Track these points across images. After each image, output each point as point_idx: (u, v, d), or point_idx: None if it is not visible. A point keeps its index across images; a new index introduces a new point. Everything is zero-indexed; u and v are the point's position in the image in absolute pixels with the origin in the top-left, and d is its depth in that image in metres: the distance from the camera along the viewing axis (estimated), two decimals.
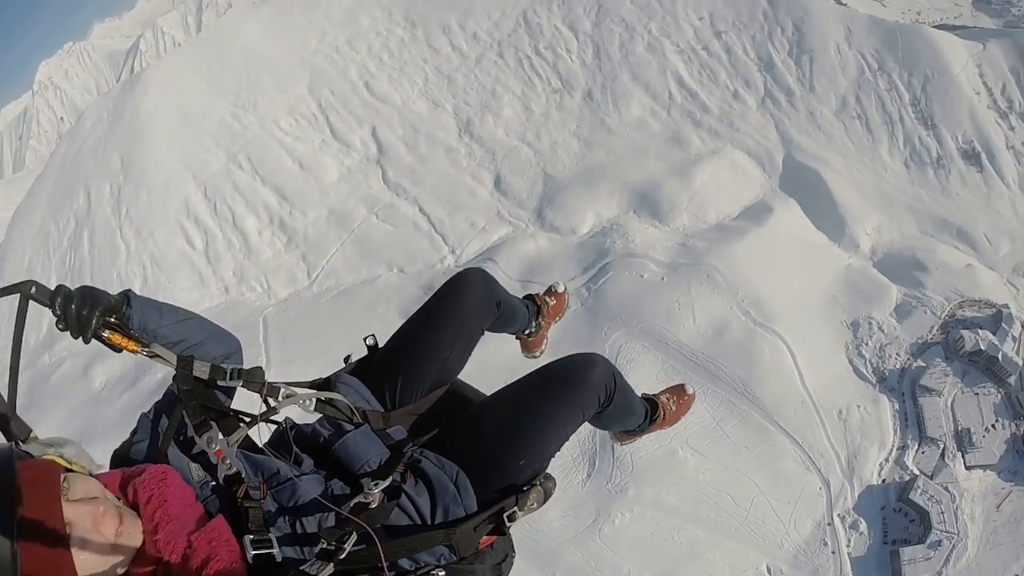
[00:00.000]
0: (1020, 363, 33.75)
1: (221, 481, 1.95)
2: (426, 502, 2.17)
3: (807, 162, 33.07)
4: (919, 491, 30.23)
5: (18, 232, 19.76)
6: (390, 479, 2.05)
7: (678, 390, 3.67)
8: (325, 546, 1.82)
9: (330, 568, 1.77)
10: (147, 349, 2.13)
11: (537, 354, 3.82)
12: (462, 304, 2.72)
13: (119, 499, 1.82)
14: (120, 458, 2.13)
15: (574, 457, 24.93)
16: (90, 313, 1.97)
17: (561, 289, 3.79)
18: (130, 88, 17.17)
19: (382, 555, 1.85)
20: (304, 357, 11.14)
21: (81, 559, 1.58)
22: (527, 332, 3.61)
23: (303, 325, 11.77)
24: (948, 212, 37.84)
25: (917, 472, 31.31)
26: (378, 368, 2.66)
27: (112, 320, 2.07)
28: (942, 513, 29.84)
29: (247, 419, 2.20)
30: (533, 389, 2.46)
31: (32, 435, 2.04)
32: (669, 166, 27.65)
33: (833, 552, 28.54)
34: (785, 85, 34.07)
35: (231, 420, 2.18)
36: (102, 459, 2.11)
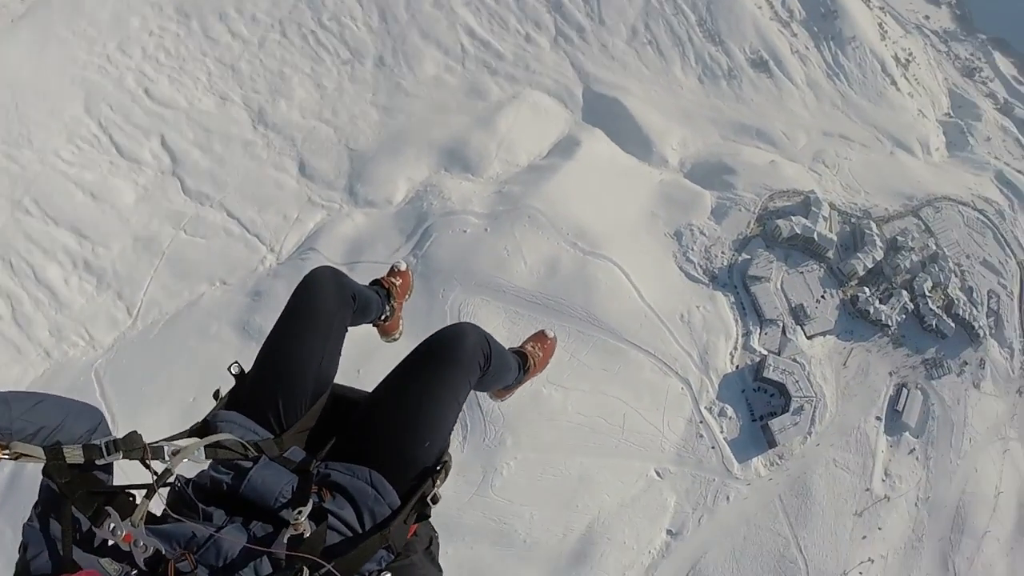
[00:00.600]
0: (834, 238, 38.06)
1: (143, 566, 1.84)
2: (350, 513, 2.17)
3: (606, 92, 35.19)
4: (771, 368, 33.40)
5: None
6: (311, 503, 2.01)
7: (540, 336, 3.82)
8: None
9: None
10: (7, 451, 1.92)
11: (396, 336, 3.91)
12: (318, 306, 2.68)
13: None
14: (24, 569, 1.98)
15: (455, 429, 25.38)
16: None
17: (404, 267, 3.83)
18: None
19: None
20: (150, 403, 10.69)
21: None
22: (383, 317, 3.61)
23: (139, 369, 11.14)
24: (745, 117, 41.36)
25: (765, 352, 34.49)
26: (253, 395, 2.57)
27: None
28: (797, 382, 33.41)
29: (142, 490, 2.04)
30: (415, 373, 2.53)
31: None
32: (472, 118, 28.30)
33: (711, 445, 31.15)
34: (575, 22, 35.83)
35: (124, 498, 2.03)
36: None
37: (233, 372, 2.68)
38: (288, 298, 2.76)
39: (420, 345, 2.64)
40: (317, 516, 2.07)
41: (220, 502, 2.16)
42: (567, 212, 28.05)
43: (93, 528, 1.91)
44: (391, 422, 2.46)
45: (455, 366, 2.55)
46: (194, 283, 11.64)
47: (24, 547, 2.00)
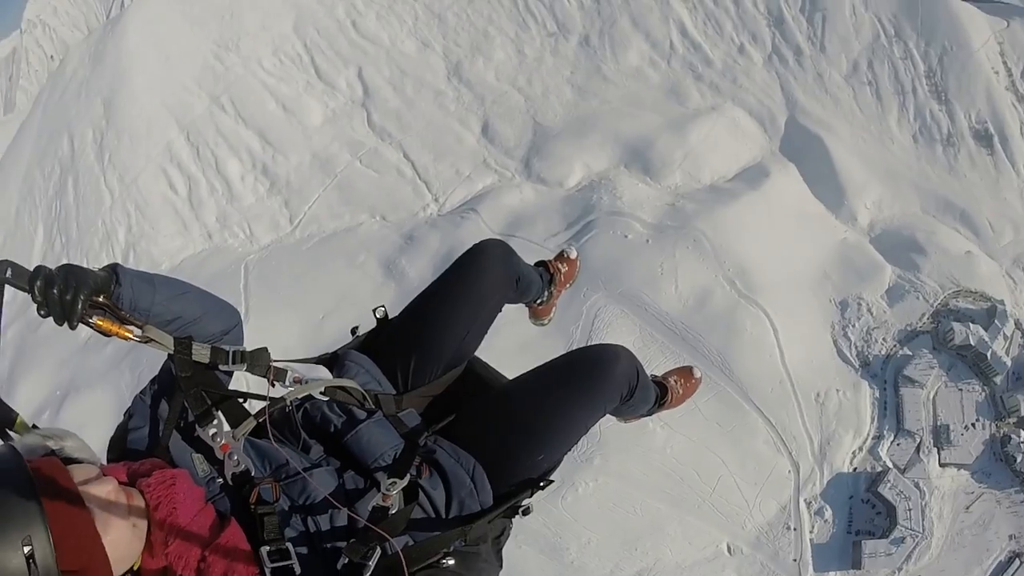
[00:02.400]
0: (1008, 363, 32.72)
1: (228, 480, 1.82)
2: (441, 495, 2.08)
3: (811, 126, 32.04)
4: (889, 484, 29.81)
5: (4, 179, 19.39)
6: (407, 478, 1.93)
7: (686, 372, 3.57)
8: (347, 562, 1.70)
9: None
10: (140, 334, 1.95)
11: (545, 322, 3.77)
12: (482, 280, 2.56)
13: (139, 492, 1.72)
14: (118, 445, 2.00)
15: None
16: (75, 297, 1.75)
17: (574, 255, 3.62)
18: (111, 29, 16.66)
19: (405, 569, 1.71)
20: (283, 308, 11.19)
21: (108, 540, 1.52)
22: (538, 301, 3.47)
23: (284, 273, 11.77)
24: (953, 193, 36.45)
25: (890, 464, 30.85)
26: (390, 345, 2.50)
27: (100, 300, 1.87)
28: (909, 510, 29.56)
29: (258, 404, 2.04)
30: (556, 382, 2.35)
31: (19, 419, 1.95)
32: (665, 120, 26.69)
33: (795, 542, 28.27)
34: (794, 43, 32.73)
35: (236, 405, 2.03)
36: (96, 405, 2.00)
37: (377, 316, 2.61)
38: (443, 254, 3.01)
39: (570, 355, 2.45)
40: (410, 494, 1.97)
41: (322, 439, 2.12)
42: (735, 246, 26.01)
43: (196, 426, 1.93)
44: (514, 424, 2.31)
45: (598, 391, 2.37)
46: (356, 211, 11.90)
47: (129, 416, 2.02)
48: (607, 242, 19.34)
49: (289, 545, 1.71)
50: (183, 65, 14.80)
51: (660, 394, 3.26)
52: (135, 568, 1.65)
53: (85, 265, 1.91)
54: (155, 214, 12.74)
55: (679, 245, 22.38)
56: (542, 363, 2.48)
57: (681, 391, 3.47)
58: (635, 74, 21.66)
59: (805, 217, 29.79)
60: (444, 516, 2.05)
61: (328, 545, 1.81)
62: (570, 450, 2.40)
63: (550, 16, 16.15)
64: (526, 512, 2.28)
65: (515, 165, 12.37)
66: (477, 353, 2.83)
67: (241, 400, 2.03)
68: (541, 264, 3.45)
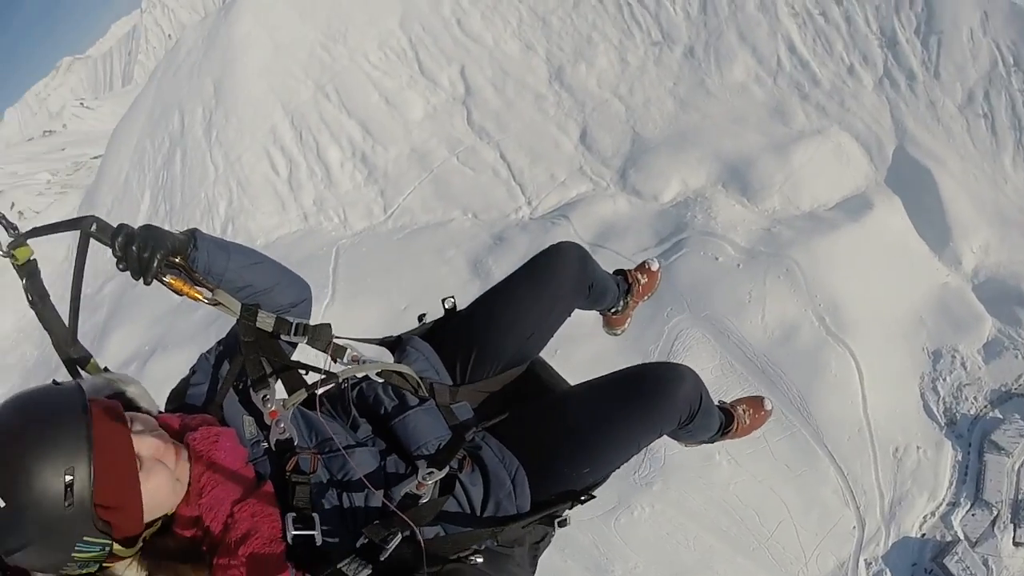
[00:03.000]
0: None
1: (272, 445, 1.88)
2: (479, 493, 2.05)
3: (920, 158, 29.98)
4: (956, 557, 27.82)
5: (117, 146, 20.98)
6: (446, 470, 1.91)
7: (756, 403, 3.38)
8: (367, 542, 1.70)
9: (368, 569, 1.64)
10: (210, 297, 2.04)
11: (618, 332, 3.68)
12: (553, 282, 2.48)
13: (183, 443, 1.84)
14: (177, 397, 2.12)
15: None
16: (151, 255, 1.87)
17: (655, 267, 3.50)
18: (224, 15, 17.53)
19: (424, 559, 1.71)
20: (370, 293, 11.50)
21: (147, 492, 1.62)
22: (613, 310, 3.38)
23: (373, 260, 11.95)
24: None
25: (961, 535, 28.90)
26: (453, 336, 2.48)
27: (177, 261, 1.99)
28: None
29: (314, 375, 2.09)
30: (614, 396, 2.26)
31: (92, 362, 2.14)
32: (767, 140, 25.45)
33: None
34: (907, 67, 30.76)
35: (295, 376, 2.08)
36: (178, 364, 2.15)
37: (446, 306, 2.59)
38: (529, 257, 2.54)
39: (633, 370, 2.32)
40: (446, 486, 1.95)
41: (372, 419, 2.14)
42: (829, 280, 24.68)
43: (251, 390, 1.98)
44: (565, 432, 2.21)
45: (657, 412, 2.24)
46: (449, 207, 12.01)
47: (192, 372, 2.11)
48: (697, 263, 18.48)
49: (316, 516, 1.75)
50: (291, 53, 15.51)
51: (725, 422, 3.08)
52: (170, 513, 1.74)
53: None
54: (255, 192, 13.37)
55: (770, 273, 21.22)
56: (605, 374, 2.39)
57: (748, 422, 3.29)
58: (739, 90, 20.80)
59: (906, 255, 27.94)
60: (479, 514, 2.03)
61: (357, 523, 1.82)
62: (619, 467, 2.32)
63: (655, 25, 15.70)
64: (563, 523, 2.19)
65: (610, 175, 12.04)
66: (543, 356, 2.78)
67: (303, 372, 2.08)
68: (620, 273, 3.36)
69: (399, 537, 1.69)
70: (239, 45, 17.12)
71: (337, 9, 16.51)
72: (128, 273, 1.93)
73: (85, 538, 1.51)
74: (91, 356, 2.16)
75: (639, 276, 3.41)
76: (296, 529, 1.70)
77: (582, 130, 12.37)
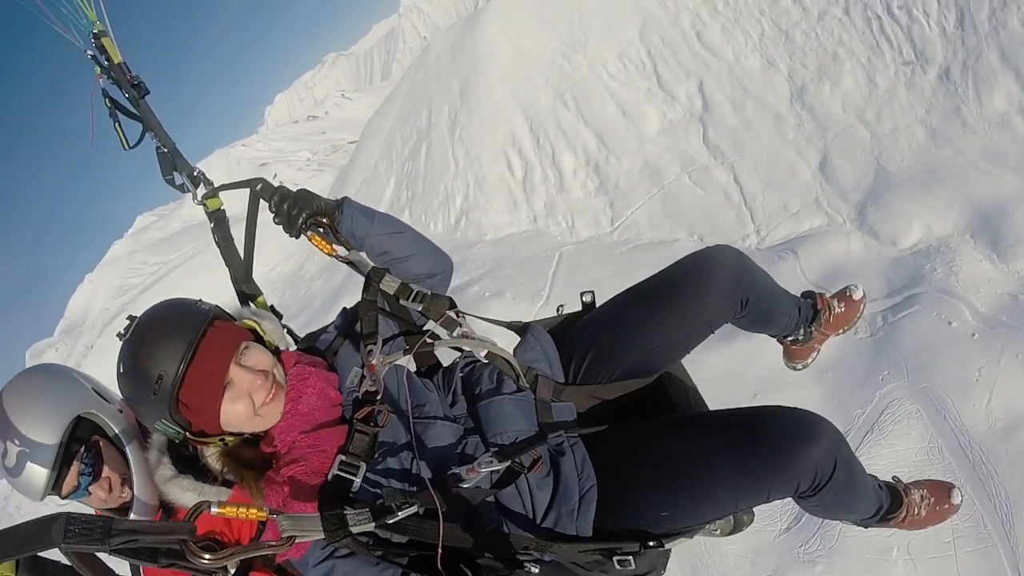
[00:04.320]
0: None
1: (359, 394, 1.97)
2: (544, 500, 1.91)
3: None
4: None
5: (370, 135, 24.20)
6: (506, 464, 1.83)
7: (942, 492, 2.69)
8: (382, 502, 1.66)
9: (370, 526, 1.61)
10: (344, 255, 2.28)
11: (799, 366, 3.15)
12: (698, 291, 2.15)
13: (286, 377, 2.02)
14: (310, 340, 2.34)
15: (784, 504, 21.90)
16: (299, 213, 2.16)
17: (858, 296, 2.90)
18: (472, 22, 19.20)
19: (441, 538, 1.65)
20: (577, 304, 11.94)
21: (225, 412, 1.85)
22: (791, 338, 2.88)
23: (592, 270, 12.17)
24: None
25: None
26: (577, 332, 2.34)
27: (324, 222, 2.23)
28: None
29: (423, 339, 2.17)
30: (726, 441, 1.89)
31: (260, 298, 2.48)
32: None
33: None
34: None
35: (415, 337, 2.20)
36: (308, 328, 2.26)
37: (584, 300, 2.46)
38: (680, 259, 2.29)
39: (755, 412, 1.90)
40: (503, 479, 1.86)
41: (469, 397, 2.12)
42: None
43: (361, 343, 2.07)
44: (654, 463, 1.93)
45: (770, 472, 1.80)
46: (676, 226, 11.91)
47: (333, 322, 2.29)
48: (927, 324, 15.71)
49: (363, 465, 1.79)
50: (533, 60, 16.53)
51: (889, 506, 2.46)
52: (258, 432, 1.94)
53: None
54: (491, 190, 14.55)
55: (1008, 350, 17.20)
56: (730, 408, 2.05)
57: (924, 513, 2.56)
58: (1000, 122, 17.13)
59: None
60: (536, 520, 1.90)
61: (403, 484, 1.84)
62: (706, 523, 1.99)
63: (907, 42, 13.69)
64: (624, 563, 1.84)
65: (848, 210, 10.84)
66: (689, 375, 2.48)
67: (414, 335, 2.17)
68: (808, 296, 2.87)
69: (414, 509, 1.63)
70: (485, 51, 18.77)
71: (578, 19, 17.33)
72: (296, 241, 2.24)
73: (163, 420, 1.82)
74: (260, 293, 2.50)
75: (834, 304, 2.86)
76: (339, 470, 1.77)
77: (822, 157, 11.72)
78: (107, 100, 2.44)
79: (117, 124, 2.45)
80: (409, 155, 20.79)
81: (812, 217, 12.91)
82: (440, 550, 1.66)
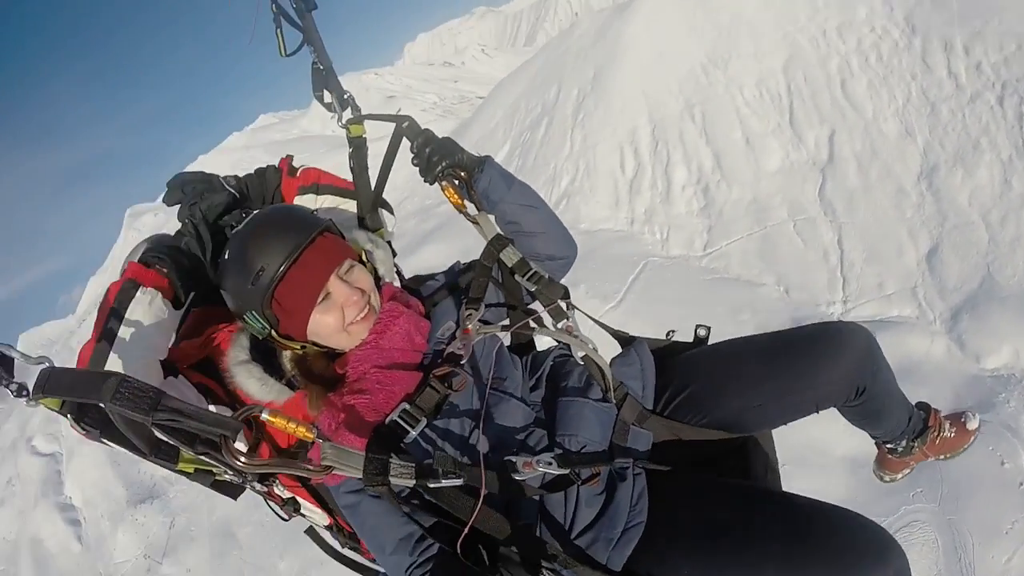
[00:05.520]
0: None
1: (444, 353, 1.95)
2: (587, 518, 1.83)
3: None
4: None
5: (498, 95, 24.54)
6: (564, 471, 1.75)
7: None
8: (430, 463, 1.64)
9: (410, 482, 1.62)
10: (473, 214, 2.21)
11: (887, 478, 2.92)
12: (819, 366, 1.98)
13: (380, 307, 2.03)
14: (417, 282, 2.36)
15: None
16: (439, 161, 2.15)
17: (972, 426, 2.76)
18: (621, 11, 18.94)
19: (473, 517, 1.64)
20: (649, 315, 11.58)
21: (314, 320, 1.88)
22: (890, 446, 2.71)
23: (672, 289, 11.94)
24: None
25: None
26: (681, 364, 2.20)
27: (462, 175, 2.19)
28: None
29: (528, 320, 2.13)
30: (786, 530, 1.69)
31: (380, 230, 2.46)
32: None
33: None
34: None
35: (519, 314, 2.18)
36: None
37: (699, 334, 2.32)
38: (808, 325, 2.12)
39: (839, 516, 1.64)
40: (555, 484, 1.79)
41: (552, 388, 2.07)
42: None
43: (464, 302, 2.08)
44: (712, 530, 1.65)
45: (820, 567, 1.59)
46: (766, 270, 11.58)
47: (444, 271, 2.35)
48: (979, 455, 14.05)
49: (424, 419, 1.79)
50: (671, 65, 16.30)
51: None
52: (337, 350, 1.99)
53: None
54: (598, 180, 14.67)
55: None
56: (789, 493, 1.93)
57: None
58: None
59: None
60: (571, 535, 1.80)
61: (456, 452, 1.81)
62: None
63: None
64: None
65: (942, 309, 10.10)
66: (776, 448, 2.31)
67: (533, 327, 2.10)
68: (923, 408, 2.72)
69: (459, 482, 1.63)
70: (627, 43, 18.82)
71: (726, 35, 17.11)
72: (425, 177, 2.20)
73: (253, 312, 1.84)
74: (382, 226, 2.47)
75: (945, 426, 2.71)
76: (398, 417, 1.77)
77: (933, 246, 11.43)
78: (273, 4, 2.42)
79: (279, 30, 2.41)
80: (529, 125, 21.17)
81: (904, 304, 12.49)
82: (465, 531, 1.64)
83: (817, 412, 2.06)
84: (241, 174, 2.34)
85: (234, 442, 1.36)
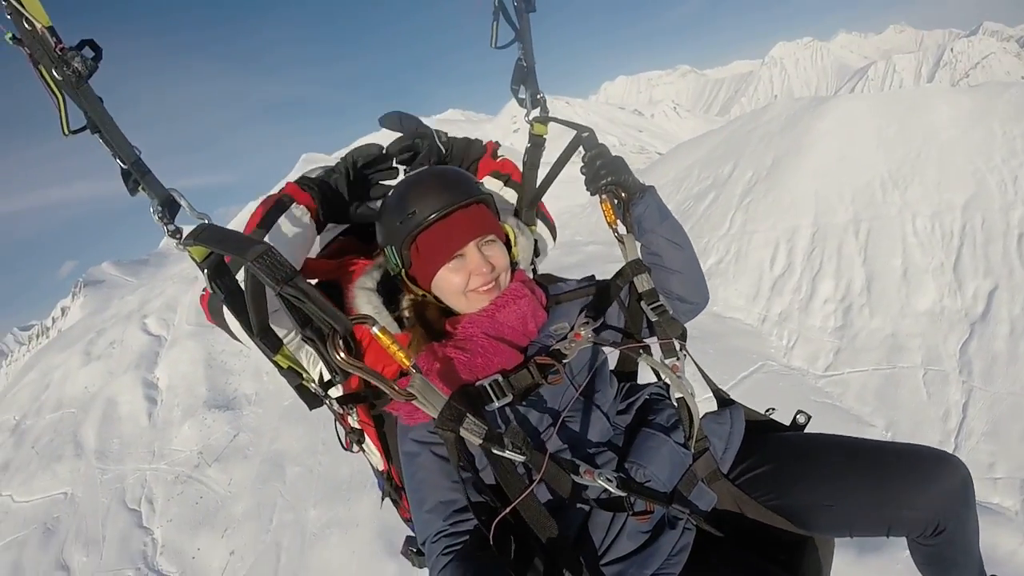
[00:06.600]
0: None
1: (548, 351, 1.96)
2: (622, 550, 1.80)
3: None
4: None
5: (675, 157, 24.25)
6: (623, 494, 1.75)
7: None
8: (503, 433, 1.68)
9: (477, 440, 1.65)
10: (621, 234, 2.29)
11: None
12: (908, 484, 1.82)
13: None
14: (545, 279, 2.41)
15: None
16: (605, 175, 2.21)
17: None
18: (815, 105, 18.07)
19: (518, 500, 1.69)
20: (732, 377, 11.24)
21: (441, 274, 1.94)
22: None
23: (780, 398, 11.00)
24: None
25: None
26: (769, 440, 2.13)
27: (622, 195, 2.26)
28: None
29: (638, 347, 2.12)
30: None
31: (533, 227, 2.49)
32: None
33: None
34: None
35: (628, 339, 2.20)
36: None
37: (798, 420, 2.22)
38: (908, 443, 1.99)
39: None
40: (612, 505, 1.82)
41: (638, 417, 2.05)
42: None
43: (584, 311, 2.15)
44: None
45: None
46: (880, 411, 10.31)
47: (577, 279, 2.41)
48: None
49: (510, 396, 1.81)
50: (851, 172, 15.68)
51: None
52: (456, 311, 2.04)
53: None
54: (744, 268, 14.31)
55: None
56: None
57: None
58: None
59: None
60: (600, 560, 1.78)
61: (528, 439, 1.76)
62: None
63: None
64: None
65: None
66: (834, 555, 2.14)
67: (640, 354, 2.05)
68: None
69: (521, 459, 1.66)
70: (813, 139, 18.68)
71: (914, 156, 16.70)
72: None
73: (393, 248, 1.96)
74: (535, 224, 2.53)
75: None
76: (489, 385, 1.81)
77: None
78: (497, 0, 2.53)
79: (496, 24, 2.49)
80: (696, 195, 20.36)
81: (1008, 495, 11.34)
82: (507, 511, 1.66)
83: (887, 536, 1.88)
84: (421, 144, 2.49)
85: (340, 339, 1.46)
